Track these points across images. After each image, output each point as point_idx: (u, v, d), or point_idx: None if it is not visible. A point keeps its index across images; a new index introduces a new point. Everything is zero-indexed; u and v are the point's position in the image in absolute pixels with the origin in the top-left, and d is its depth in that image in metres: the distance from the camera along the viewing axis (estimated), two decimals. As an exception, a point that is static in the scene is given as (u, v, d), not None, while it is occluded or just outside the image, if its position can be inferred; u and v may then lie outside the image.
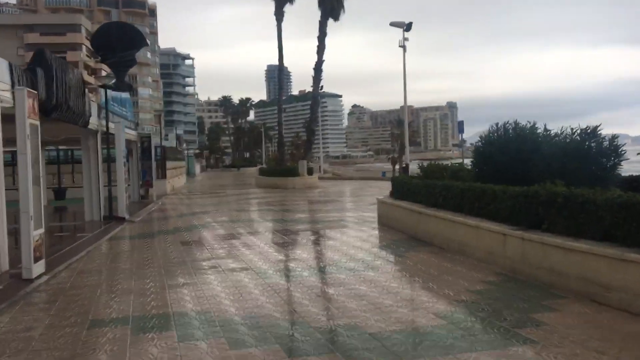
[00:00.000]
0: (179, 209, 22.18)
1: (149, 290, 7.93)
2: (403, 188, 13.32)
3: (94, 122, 16.27)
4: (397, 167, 63.18)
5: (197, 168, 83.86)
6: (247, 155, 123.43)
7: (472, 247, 9.24)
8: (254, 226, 15.44)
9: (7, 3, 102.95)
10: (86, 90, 14.37)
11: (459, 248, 9.70)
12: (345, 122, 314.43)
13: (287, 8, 36.42)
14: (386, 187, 32.62)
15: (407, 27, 31.51)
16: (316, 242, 12.24)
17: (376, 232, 13.25)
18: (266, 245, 11.77)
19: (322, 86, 38.50)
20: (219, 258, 10.40)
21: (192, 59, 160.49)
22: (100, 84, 15.91)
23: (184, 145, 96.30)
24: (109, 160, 17.54)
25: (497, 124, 11.56)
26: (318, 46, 35.05)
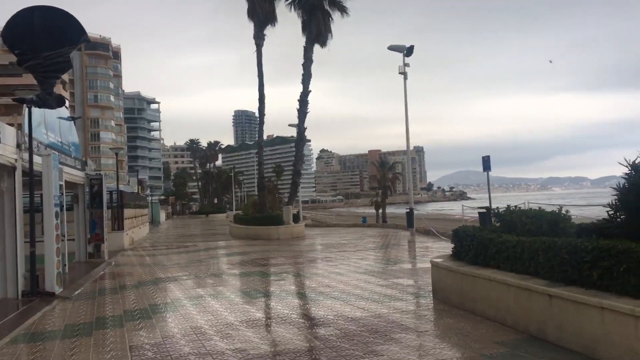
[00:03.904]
0: (137, 273, 16.81)
1: None
2: (486, 248, 8.53)
3: (8, 154, 11.14)
4: (380, 211, 58.82)
5: (163, 215, 77.83)
6: (216, 201, 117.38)
7: None
8: (246, 307, 10.28)
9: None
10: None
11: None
12: (314, 167, 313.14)
13: (266, 33, 32.11)
14: (383, 235, 28.04)
15: (408, 51, 27.47)
16: (364, 353, 7.16)
17: (448, 321, 8.30)
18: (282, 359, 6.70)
19: (306, 127, 34.13)
20: (201, 400, 5.31)
21: (158, 103, 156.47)
22: (16, 97, 10.77)
23: (148, 190, 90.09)
24: (33, 209, 12.31)
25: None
26: (303, 74, 30.60)
